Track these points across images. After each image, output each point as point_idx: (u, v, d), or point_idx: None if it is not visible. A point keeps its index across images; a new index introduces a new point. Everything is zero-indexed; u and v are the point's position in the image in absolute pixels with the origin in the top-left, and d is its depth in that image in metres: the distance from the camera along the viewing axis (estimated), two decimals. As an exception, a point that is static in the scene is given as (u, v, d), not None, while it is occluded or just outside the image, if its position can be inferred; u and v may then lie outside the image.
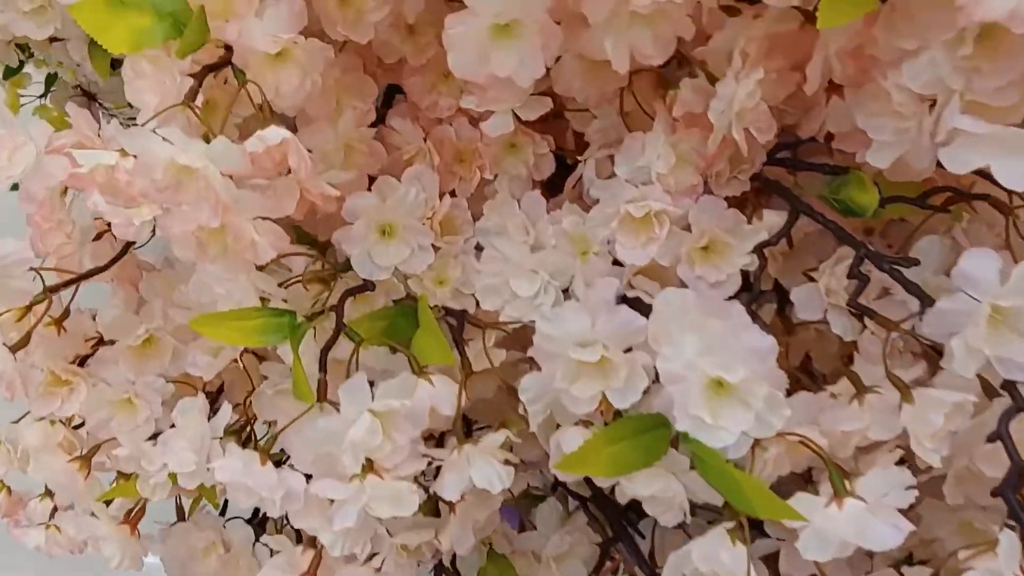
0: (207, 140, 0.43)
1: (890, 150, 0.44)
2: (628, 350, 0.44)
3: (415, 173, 0.55)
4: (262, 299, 0.52)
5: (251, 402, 0.62)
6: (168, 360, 0.60)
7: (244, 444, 0.64)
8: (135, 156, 0.43)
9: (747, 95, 0.43)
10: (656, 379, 0.44)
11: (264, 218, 0.46)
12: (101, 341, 0.62)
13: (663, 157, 0.48)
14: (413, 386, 0.47)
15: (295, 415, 0.56)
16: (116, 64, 0.82)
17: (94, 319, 0.62)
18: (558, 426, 0.48)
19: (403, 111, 0.61)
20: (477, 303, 0.56)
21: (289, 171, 0.47)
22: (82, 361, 0.61)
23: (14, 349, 0.52)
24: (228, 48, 0.49)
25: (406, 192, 0.53)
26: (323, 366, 0.50)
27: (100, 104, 1.15)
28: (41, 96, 1.12)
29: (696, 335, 0.42)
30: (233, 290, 0.50)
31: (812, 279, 0.52)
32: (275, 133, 0.44)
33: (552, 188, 0.60)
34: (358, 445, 0.44)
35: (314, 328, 0.52)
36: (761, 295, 0.50)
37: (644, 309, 0.49)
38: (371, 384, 0.47)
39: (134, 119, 1.27)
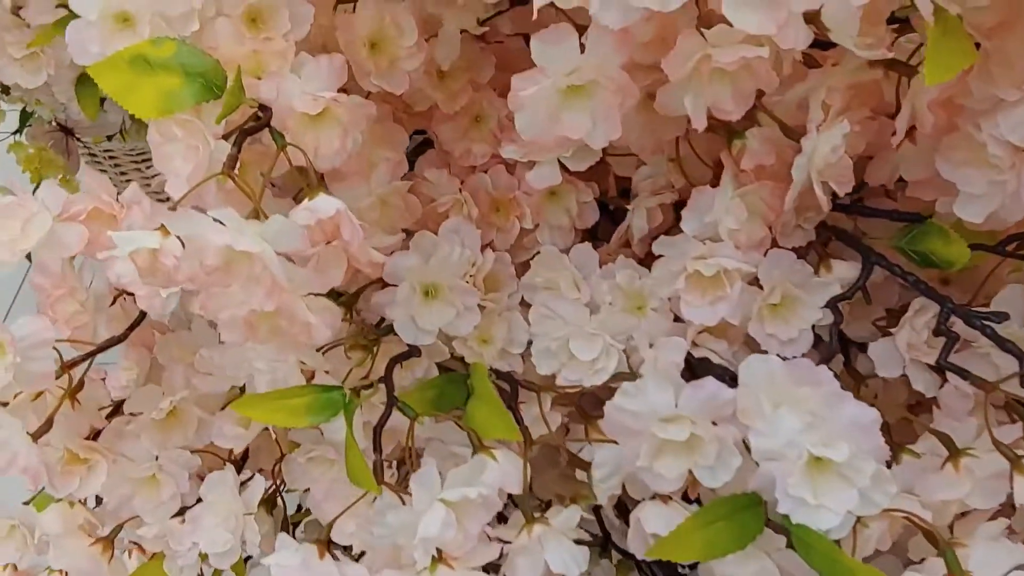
0: (256, 216, 0.40)
1: (982, 203, 0.42)
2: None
3: (453, 227, 0.52)
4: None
5: (280, 469, 0.59)
6: (193, 432, 0.57)
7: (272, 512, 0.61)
8: (178, 238, 0.39)
9: (831, 150, 0.41)
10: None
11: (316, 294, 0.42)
12: (116, 410, 0.59)
13: (733, 212, 0.45)
14: (481, 468, 0.44)
15: (334, 487, 0.54)
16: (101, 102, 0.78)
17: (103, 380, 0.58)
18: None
19: (433, 160, 0.58)
20: (522, 360, 0.53)
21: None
22: (96, 434, 0.57)
23: (36, 436, 0.48)
24: (262, 108, 0.46)
25: (450, 251, 0.50)
26: (377, 446, 0.46)
27: (78, 140, 1.11)
28: (15, 132, 1.07)
29: (791, 409, 0.40)
30: (276, 367, 0.46)
31: (880, 329, 0.50)
32: (327, 204, 0.41)
33: (591, 234, 0.57)
34: (431, 540, 0.41)
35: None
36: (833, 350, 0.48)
37: (713, 370, 0.47)
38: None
39: (111, 151, 1.23)
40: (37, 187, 1.12)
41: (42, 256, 0.49)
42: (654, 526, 0.43)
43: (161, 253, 0.39)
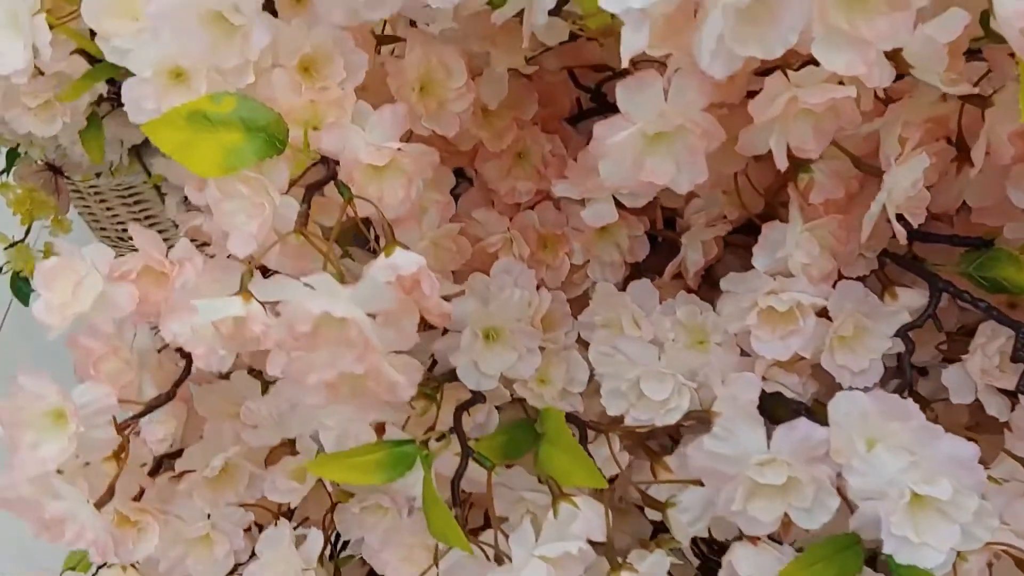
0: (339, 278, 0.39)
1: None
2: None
3: (504, 267, 0.52)
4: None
5: (331, 519, 0.57)
6: (244, 487, 0.55)
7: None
8: (260, 303, 0.38)
9: (912, 184, 0.41)
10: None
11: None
12: (158, 468, 0.57)
13: (804, 246, 0.45)
14: (570, 518, 0.43)
15: (390, 536, 0.53)
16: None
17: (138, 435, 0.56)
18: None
19: (475, 199, 0.57)
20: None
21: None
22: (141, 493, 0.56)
23: (99, 505, 0.47)
24: (323, 159, 0.45)
25: (510, 293, 0.50)
26: (456, 499, 0.45)
27: (67, 179, 1.08)
28: (2, 172, 1.04)
29: (887, 447, 0.40)
30: (348, 424, 0.45)
31: (942, 353, 0.50)
32: (409, 259, 0.40)
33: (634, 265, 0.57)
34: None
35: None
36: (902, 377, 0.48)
37: (788, 405, 0.47)
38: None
39: (96, 187, 1.20)
40: (29, 229, 1.10)
41: (93, 319, 0.48)
42: (747, 569, 0.42)
43: (249, 321, 0.38)
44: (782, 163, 0.40)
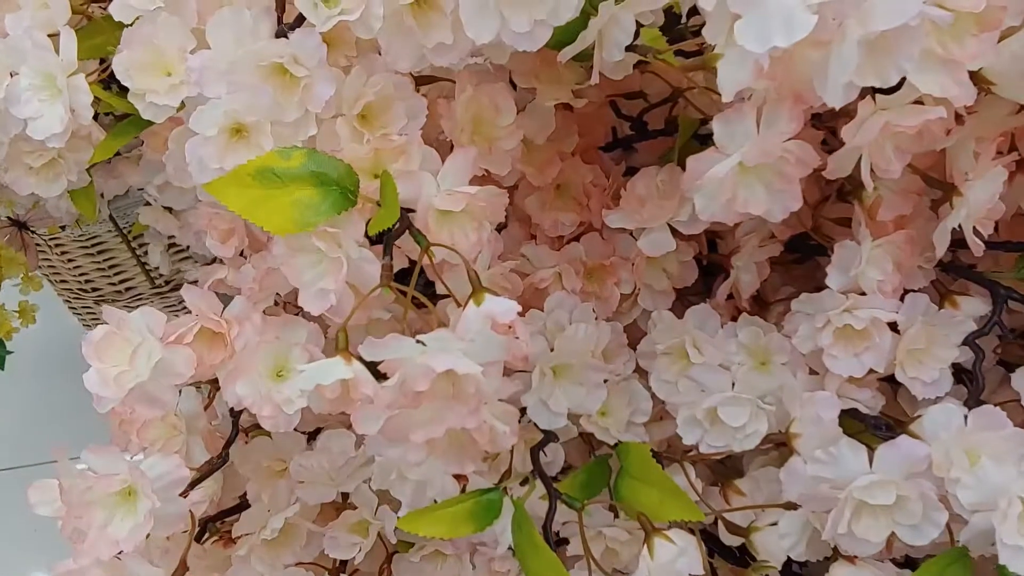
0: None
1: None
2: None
3: (558, 302, 0.51)
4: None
5: (388, 570, 0.56)
6: (302, 545, 0.54)
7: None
8: (365, 363, 0.37)
9: (990, 196, 0.42)
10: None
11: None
12: (203, 532, 0.55)
13: (876, 263, 0.45)
14: (673, 556, 0.43)
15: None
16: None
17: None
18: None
19: (516, 234, 0.56)
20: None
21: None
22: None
23: (176, 580, 0.45)
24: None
25: (575, 329, 0.49)
26: (550, 542, 0.45)
27: (32, 232, 1.04)
28: (-37, 233, 1.00)
29: (993, 458, 0.40)
30: (435, 476, 0.44)
31: (999, 357, 0.51)
32: (505, 307, 0.39)
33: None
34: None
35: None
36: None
37: (867, 420, 0.47)
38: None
39: (56, 238, 1.17)
40: (-2, 289, 1.05)
41: (151, 388, 0.45)
42: (854, 591, 0.42)
43: (358, 383, 0.37)
44: (869, 185, 0.40)
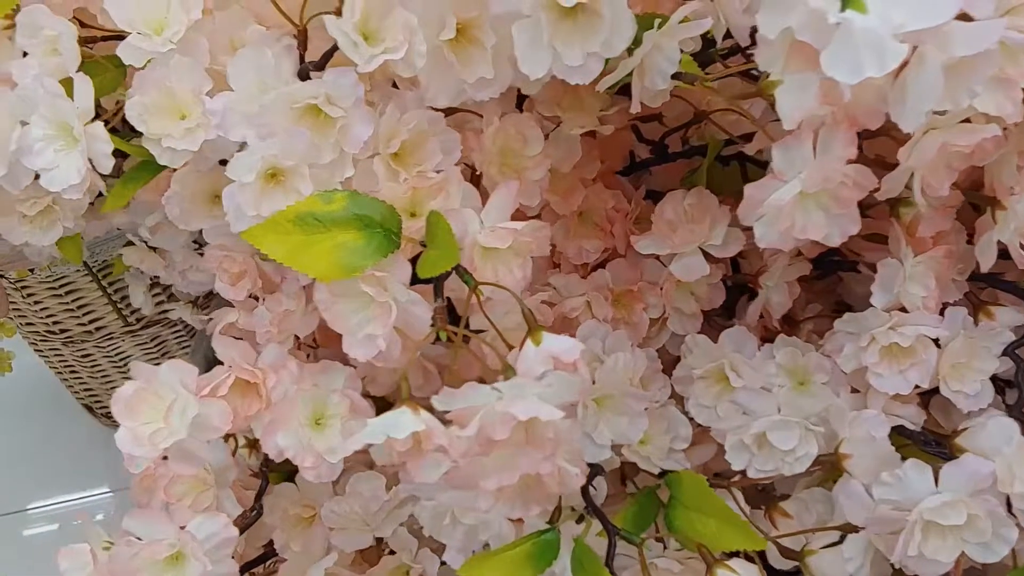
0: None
1: None
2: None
3: (591, 331, 0.51)
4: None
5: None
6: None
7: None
8: (438, 416, 0.36)
9: (1036, 210, 0.42)
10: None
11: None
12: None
13: (919, 279, 0.45)
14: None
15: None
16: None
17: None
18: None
19: (539, 264, 0.55)
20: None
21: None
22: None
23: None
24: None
25: (615, 359, 0.48)
26: (613, 580, 0.44)
27: (2, 276, 1.01)
28: (-71, 281, 0.96)
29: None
30: (491, 520, 0.43)
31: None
32: (567, 346, 0.38)
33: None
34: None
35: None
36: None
37: (916, 437, 0.47)
38: None
39: (22, 280, 1.13)
40: (-32, 338, 1.01)
41: (188, 445, 0.44)
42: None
43: (431, 434, 0.35)
44: (922, 204, 0.40)
